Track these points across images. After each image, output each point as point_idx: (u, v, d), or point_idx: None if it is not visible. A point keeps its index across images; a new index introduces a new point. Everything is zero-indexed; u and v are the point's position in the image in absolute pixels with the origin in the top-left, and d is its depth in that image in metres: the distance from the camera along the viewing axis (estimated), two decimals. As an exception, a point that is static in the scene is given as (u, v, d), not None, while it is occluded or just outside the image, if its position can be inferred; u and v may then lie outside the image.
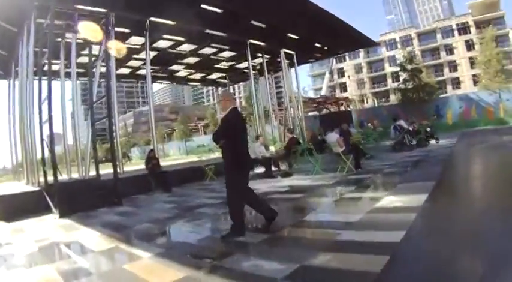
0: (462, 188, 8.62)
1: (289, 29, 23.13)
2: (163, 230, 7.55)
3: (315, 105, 48.47)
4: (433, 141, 21.07)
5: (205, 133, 78.51)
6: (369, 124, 28.56)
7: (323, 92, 71.07)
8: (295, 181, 12.78)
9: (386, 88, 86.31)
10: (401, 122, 20.35)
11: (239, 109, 7.18)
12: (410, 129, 20.22)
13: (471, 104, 38.17)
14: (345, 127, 17.71)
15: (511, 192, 7.13)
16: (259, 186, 12.02)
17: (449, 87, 76.54)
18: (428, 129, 22.08)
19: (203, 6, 17.19)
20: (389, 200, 7.26)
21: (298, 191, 10.32)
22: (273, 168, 15.99)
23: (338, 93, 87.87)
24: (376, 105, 75.00)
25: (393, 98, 73.48)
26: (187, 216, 8.46)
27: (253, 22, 20.45)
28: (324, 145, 18.92)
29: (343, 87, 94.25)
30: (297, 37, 24.27)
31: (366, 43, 31.58)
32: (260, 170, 16.04)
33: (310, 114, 47.32)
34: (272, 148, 22.47)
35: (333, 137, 13.99)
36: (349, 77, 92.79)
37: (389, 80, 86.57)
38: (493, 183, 8.70)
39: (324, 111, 49.43)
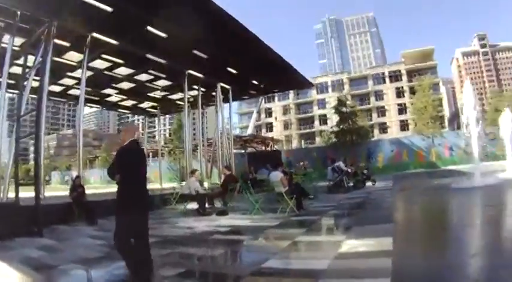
0: (422, 231, 8.77)
1: (229, 63, 22.51)
2: (93, 274, 6.32)
3: (241, 143, 48.17)
4: (369, 183, 21.13)
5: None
6: (301, 163, 28.34)
7: (249, 131, 71.16)
8: (234, 221, 11.79)
9: (313, 130, 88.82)
10: (340, 164, 20.16)
11: (140, 142, 6.24)
12: (349, 170, 20.10)
13: (403, 148, 39.90)
14: (282, 168, 17.02)
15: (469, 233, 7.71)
16: (194, 224, 11.32)
17: (376, 131, 78.78)
18: (365, 171, 22.13)
19: (149, 28, 16.40)
20: (352, 244, 6.81)
21: (242, 232, 9.58)
22: (207, 206, 14.88)
23: (264, 133, 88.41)
24: (302, 146, 75.79)
25: (319, 140, 76.54)
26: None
27: (196, 51, 19.70)
28: (261, 183, 18.49)
29: (270, 127, 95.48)
30: (235, 72, 23.70)
31: (302, 84, 31.95)
32: (192, 206, 14.93)
33: (235, 151, 47.00)
34: (206, 184, 21.51)
35: (277, 175, 13.15)
36: (275, 118, 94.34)
37: (317, 122, 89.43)
38: (446, 224, 9.39)
39: (249, 149, 49.25)
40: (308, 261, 6.17)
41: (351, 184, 19.91)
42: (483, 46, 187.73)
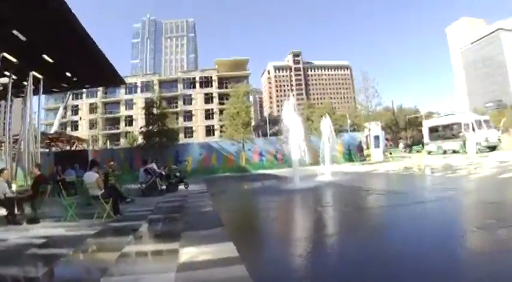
0: (257, 233, 9.16)
1: (46, 49, 20.53)
2: None
3: (47, 141, 45.23)
4: (181, 187, 21.14)
5: None
6: (111, 163, 27.52)
7: (54, 128, 66.90)
8: (48, 230, 10.48)
9: (119, 131, 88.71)
10: (153, 165, 20.04)
11: None
12: (163, 173, 20.07)
13: (212, 152, 41.24)
14: (97, 168, 15.66)
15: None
16: (4, 235, 9.79)
17: (181, 135, 79.40)
18: (178, 174, 22.18)
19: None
20: (191, 253, 6.49)
21: (61, 245, 8.46)
22: (16, 212, 12.72)
23: (69, 131, 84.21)
24: (108, 147, 73.81)
25: (123, 142, 77.56)
26: None
27: (15, 32, 17.48)
28: (70, 186, 17.66)
29: (75, 126, 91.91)
30: (51, 60, 21.61)
31: (116, 81, 31.50)
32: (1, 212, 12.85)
33: (40, 150, 43.89)
34: (14, 186, 19.12)
35: (91, 176, 12.41)
36: (80, 118, 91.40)
37: (123, 123, 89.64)
38: (279, 224, 10.17)
39: (54, 148, 46.66)
40: (150, 276, 5.52)
41: (164, 187, 19.76)
42: (297, 62, 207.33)
